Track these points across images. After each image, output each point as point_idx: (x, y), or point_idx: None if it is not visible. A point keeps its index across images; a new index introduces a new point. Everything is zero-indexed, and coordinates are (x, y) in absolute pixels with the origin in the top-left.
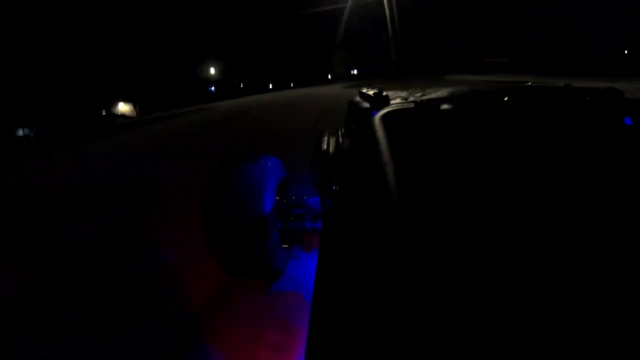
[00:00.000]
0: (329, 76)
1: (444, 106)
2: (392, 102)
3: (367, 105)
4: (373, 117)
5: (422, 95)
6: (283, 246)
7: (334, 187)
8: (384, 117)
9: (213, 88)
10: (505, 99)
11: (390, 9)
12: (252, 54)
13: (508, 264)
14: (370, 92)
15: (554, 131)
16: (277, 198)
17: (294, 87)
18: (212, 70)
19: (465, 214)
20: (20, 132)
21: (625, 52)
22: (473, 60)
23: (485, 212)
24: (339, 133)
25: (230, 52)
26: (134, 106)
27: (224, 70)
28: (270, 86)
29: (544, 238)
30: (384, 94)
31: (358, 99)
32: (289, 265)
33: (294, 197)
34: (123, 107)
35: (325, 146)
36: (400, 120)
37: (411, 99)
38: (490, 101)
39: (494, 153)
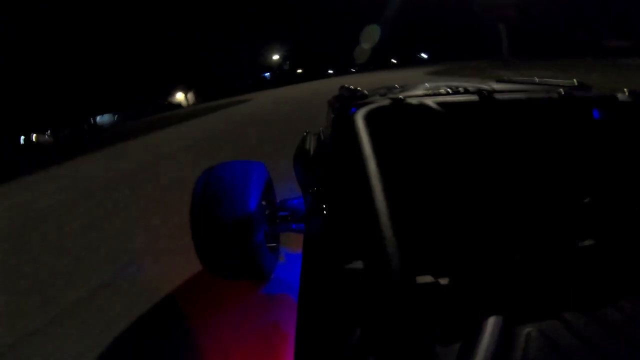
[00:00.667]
0: (393, 60)
1: (421, 103)
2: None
3: (345, 102)
4: (350, 114)
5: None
6: (270, 247)
7: (315, 187)
8: (361, 115)
9: (268, 74)
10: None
11: None
12: (310, 36)
13: None
14: (351, 88)
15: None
16: (263, 202)
17: (356, 72)
18: (274, 56)
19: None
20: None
21: None
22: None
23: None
24: (321, 132)
25: (287, 35)
26: (186, 96)
27: (284, 56)
28: (331, 71)
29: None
30: (363, 91)
31: (338, 95)
32: (276, 267)
33: (279, 200)
34: (180, 97)
35: (307, 146)
36: (377, 118)
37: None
38: (465, 97)
39: (467, 150)
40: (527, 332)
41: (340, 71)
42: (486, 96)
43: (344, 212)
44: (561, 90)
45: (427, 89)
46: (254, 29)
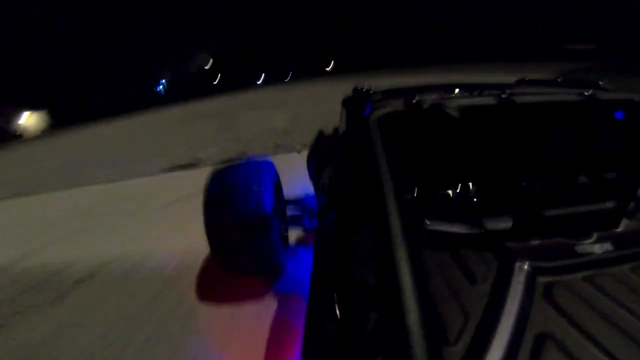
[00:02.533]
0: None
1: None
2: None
3: (360, 102)
4: (365, 115)
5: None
6: (282, 243)
7: (328, 186)
8: (375, 116)
9: (161, 86)
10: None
11: None
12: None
13: None
14: (364, 89)
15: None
16: (273, 199)
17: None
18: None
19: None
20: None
21: None
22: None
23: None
24: (335, 131)
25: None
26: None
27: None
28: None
29: None
30: (377, 90)
31: (352, 95)
32: (289, 264)
33: (291, 198)
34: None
35: (320, 145)
36: (391, 119)
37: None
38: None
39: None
40: (549, 282)
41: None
42: (504, 99)
43: (356, 210)
44: (581, 92)
45: (443, 89)
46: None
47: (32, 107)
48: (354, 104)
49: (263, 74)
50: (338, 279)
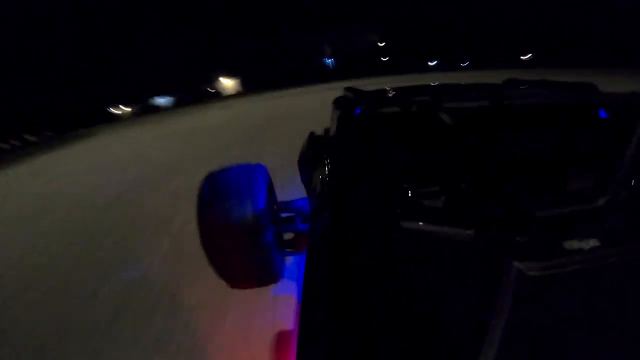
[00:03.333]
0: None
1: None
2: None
3: (351, 103)
4: (355, 115)
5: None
6: (278, 249)
7: (320, 188)
8: (366, 117)
9: (330, 60)
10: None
11: None
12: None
13: None
14: (356, 89)
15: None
16: (267, 203)
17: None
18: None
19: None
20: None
21: None
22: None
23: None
24: (326, 132)
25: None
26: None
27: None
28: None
29: None
30: (368, 91)
31: (343, 96)
32: (285, 269)
33: (283, 201)
34: (227, 83)
35: (312, 146)
36: (381, 120)
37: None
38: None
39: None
40: (538, 279)
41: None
42: (493, 101)
43: (348, 211)
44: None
45: (433, 91)
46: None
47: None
48: (345, 104)
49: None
50: (332, 283)
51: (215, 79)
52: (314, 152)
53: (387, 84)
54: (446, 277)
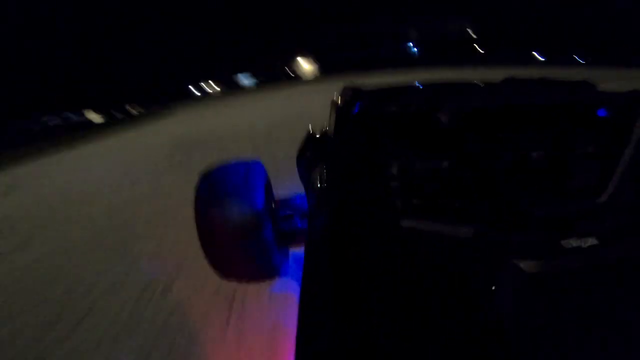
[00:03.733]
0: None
1: (425, 100)
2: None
3: (349, 101)
4: (354, 114)
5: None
6: (277, 246)
7: (318, 185)
8: (364, 115)
9: (414, 47)
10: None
11: None
12: None
13: None
14: (354, 87)
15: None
16: (265, 200)
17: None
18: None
19: None
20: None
21: None
22: None
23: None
24: (324, 130)
25: None
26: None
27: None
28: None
29: None
30: (366, 89)
31: (340, 94)
32: (285, 266)
33: (281, 199)
34: (305, 65)
35: (310, 144)
36: (380, 117)
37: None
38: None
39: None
40: (537, 278)
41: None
42: (494, 100)
43: (347, 209)
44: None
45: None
46: None
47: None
48: (344, 102)
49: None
50: (331, 279)
51: (294, 61)
52: (312, 150)
53: (476, 76)
54: (445, 275)
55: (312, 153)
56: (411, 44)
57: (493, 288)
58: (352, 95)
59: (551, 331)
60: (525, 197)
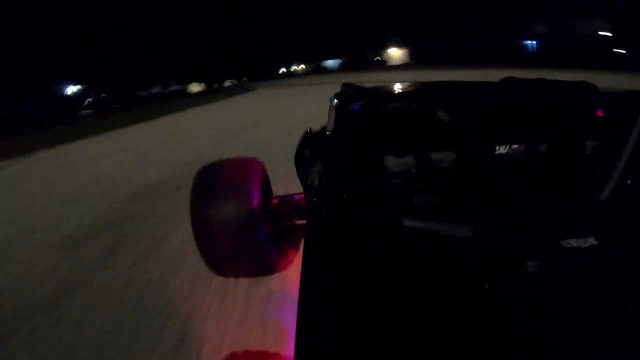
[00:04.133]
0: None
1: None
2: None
3: (348, 99)
4: (353, 111)
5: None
6: (273, 242)
7: (316, 183)
8: (363, 113)
9: (533, 43)
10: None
11: None
12: None
13: None
14: (353, 85)
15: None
16: (262, 197)
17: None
18: None
19: None
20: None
21: None
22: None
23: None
24: (323, 128)
25: None
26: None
27: None
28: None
29: None
30: (365, 87)
31: (340, 92)
32: (280, 263)
33: (279, 196)
34: (394, 53)
35: (309, 142)
36: (379, 115)
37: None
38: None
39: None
40: (537, 277)
41: None
42: (491, 100)
43: (346, 207)
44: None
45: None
46: None
47: None
48: (343, 101)
49: None
50: (330, 277)
51: (385, 48)
52: (310, 149)
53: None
54: (445, 274)
55: (310, 151)
56: (532, 42)
57: (493, 288)
58: (351, 93)
59: (551, 331)
60: (525, 197)
